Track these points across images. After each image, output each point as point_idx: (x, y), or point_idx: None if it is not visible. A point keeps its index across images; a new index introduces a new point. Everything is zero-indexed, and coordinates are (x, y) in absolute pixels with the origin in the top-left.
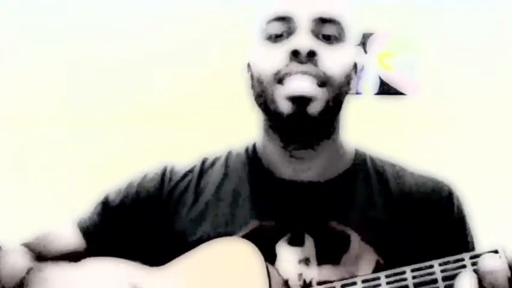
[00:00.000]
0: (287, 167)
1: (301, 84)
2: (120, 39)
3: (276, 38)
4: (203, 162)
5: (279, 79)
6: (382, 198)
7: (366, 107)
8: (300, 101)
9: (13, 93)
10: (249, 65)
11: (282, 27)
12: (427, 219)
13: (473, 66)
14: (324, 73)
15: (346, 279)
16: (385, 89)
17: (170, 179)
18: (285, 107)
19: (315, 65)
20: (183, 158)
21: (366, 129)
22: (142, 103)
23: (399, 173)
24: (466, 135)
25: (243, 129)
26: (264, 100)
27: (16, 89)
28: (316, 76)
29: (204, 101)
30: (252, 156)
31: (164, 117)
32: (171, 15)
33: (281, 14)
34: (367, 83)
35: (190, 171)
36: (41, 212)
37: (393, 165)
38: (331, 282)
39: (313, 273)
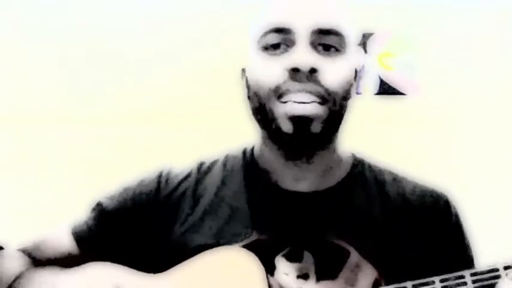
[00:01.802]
0: (285, 174)
1: (303, 104)
2: (120, 39)
3: (273, 49)
4: (200, 167)
5: (278, 96)
6: (380, 208)
7: (366, 107)
8: (302, 120)
9: (13, 93)
10: (243, 71)
11: (280, 39)
12: (426, 230)
13: (473, 66)
14: (326, 89)
15: None
16: (385, 89)
17: (166, 184)
18: (286, 126)
19: (316, 81)
20: (182, 159)
21: (366, 129)
22: (143, 103)
23: (397, 181)
24: (466, 135)
25: (242, 130)
26: (263, 115)
27: (16, 89)
28: (316, 93)
29: (204, 101)
30: (250, 161)
31: (164, 117)
32: (171, 15)
33: (279, 25)
34: (367, 83)
35: (187, 176)
36: (41, 212)
37: (391, 173)
38: None
39: None
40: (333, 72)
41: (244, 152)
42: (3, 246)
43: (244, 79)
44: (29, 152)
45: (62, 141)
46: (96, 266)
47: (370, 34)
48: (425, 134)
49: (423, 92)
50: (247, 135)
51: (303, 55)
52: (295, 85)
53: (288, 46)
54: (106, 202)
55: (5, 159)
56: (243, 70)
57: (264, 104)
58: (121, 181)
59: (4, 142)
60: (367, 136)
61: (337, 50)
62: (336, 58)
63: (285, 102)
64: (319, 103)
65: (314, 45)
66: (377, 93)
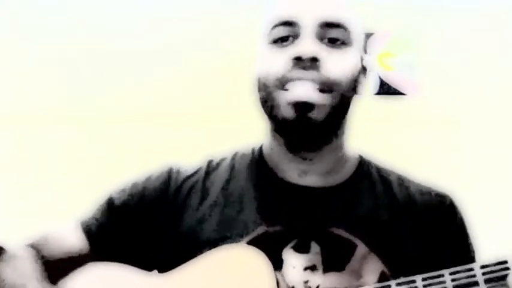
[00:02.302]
0: (292, 169)
1: (304, 90)
2: (121, 39)
3: (281, 42)
4: (209, 164)
5: (282, 84)
6: (387, 205)
7: (366, 107)
8: (303, 107)
9: (13, 93)
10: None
11: (287, 32)
12: (431, 228)
13: (474, 66)
14: (328, 78)
15: None
16: (385, 89)
17: (176, 179)
18: (288, 112)
19: (318, 70)
20: (186, 159)
21: (366, 129)
22: (144, 103)
23: (402, 182)
24: (466, 135)
25: (248, 130)
26: (269, 105)
27: (16, 89)
28: (318, 82)
29: (208, 101)
30: (258, 158)
31: (167, 117)
32: (174, 13)
33: (286, 18)
34: (367, 83)
35: (196, 172)
36: (41, 212)
37: (397, 174)
38: None
39: (319, 280)
40: (337, 63)
41: (252, 150)
42: (4, 248)
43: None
44: (29, 152)
45: (62, 141)
46: (108, 267)
47: (370, 34)
48: (425, 134)
49: (423, 92)
50: (253, 134)
51: (306, 45)
52: (298, 73)
53: (294, 38)
54: (116, 197)
55: (5, 159)
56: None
57: (270, 94)
58: (123, 181)
59: (4, 142)
60: (367, 136)
61: (342, 43)
62: (341, 51)
63: (287, 89)
64: (321, 91)
65: (320, 37)
66: (377, 93)
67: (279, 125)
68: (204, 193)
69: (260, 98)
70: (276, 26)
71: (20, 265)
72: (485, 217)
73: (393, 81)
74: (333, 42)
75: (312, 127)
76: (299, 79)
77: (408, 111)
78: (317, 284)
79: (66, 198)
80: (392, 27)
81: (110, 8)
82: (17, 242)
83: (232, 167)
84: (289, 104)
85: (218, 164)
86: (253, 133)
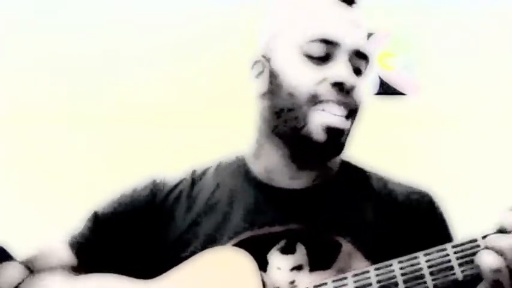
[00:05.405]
0: (282, 173)
1: (337, 117)
2: (121, 40)
3: (317, 58)
4: (193, 173)
5: (315, 102)
6: (369, 204)
7: (366, 107)
8: (335, 132)
9: (13, 93)
10: (256, 63)
11: (325, 49)
12: (413, 224)
13: (473, 66)
14: (355, 105)
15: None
16: (385, 89)
17: (161, 190)
18: (320, 135)
19: (352, 97)
20: (182, 159)
21: (366, 129)
22: (143, 104)
23: (383, 180)
24: (466, 134)
25: (242, 131)
26: (294, 118)
27: (16, 88)
28: (349, 108)
29: (205, 102)
30: (243, 163)
31: (165, 118)
32: (174, 16)
33: (328, 37)
34: (367, 83)
35: (181, 181)
36: (40, 212)
37: (376, 174)
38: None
39: (306, 279)
40: (360, 91)
41: (237, 158)
42: (12, 256)
43: (266, 73)
44: (29, 152)
45: (62, 142)
46: (95, 276)
47: (370, 34)
48: (425, 134)
49: (423, 92)
50: (244, 135)
51: (346, 72)
52: (337, 97)
53: (329, 59)
54: (101, 211)
55: (5, 159)
56: (256, 62)
57: (299, 107)
58: (120, 182)
59: (4, 142)
60: (367, 136)
61: (362, 72)
62: (360, 79)
63: (321, 110)
64: (345, 117)
65: (350, 64)
66: (377, 93)
67: (303, 143)
68: (190, 203)
69: (281, 106)
70: (314, 41)
71: (9, 274)
72: (485, 214)
73: (393, 81)
74: (358, 72)
75: (338, 150)
76: (336, 103)
77: (408, 111)
78: (304, 283)
79: (67, 198)
80: (392, 27)
81: (111, 8)
82: (14, 243)
83: (218, 175)
84: (322, 127)
85: (203, 173)
86: (246, 135)
